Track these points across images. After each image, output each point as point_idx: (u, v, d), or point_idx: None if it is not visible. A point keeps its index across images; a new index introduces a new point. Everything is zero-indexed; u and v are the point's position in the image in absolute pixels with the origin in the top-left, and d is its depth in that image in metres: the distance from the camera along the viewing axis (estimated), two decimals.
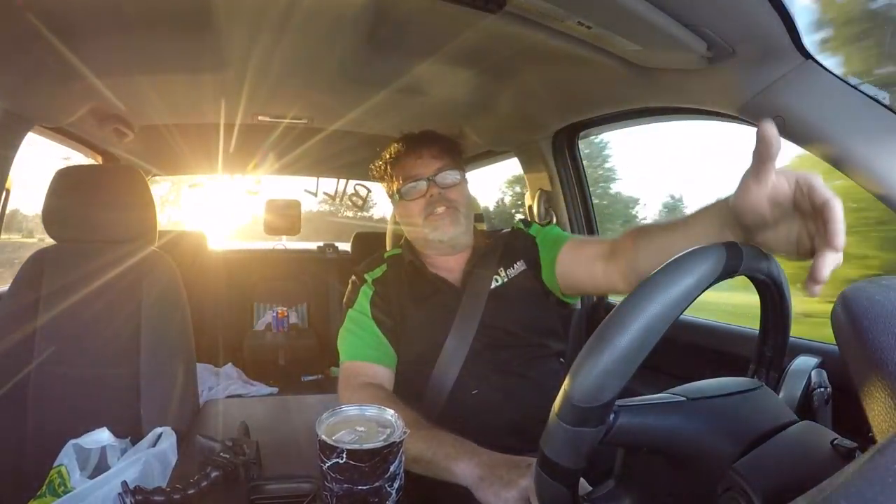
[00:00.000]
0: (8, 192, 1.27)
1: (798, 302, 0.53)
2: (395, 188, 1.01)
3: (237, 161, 2.26)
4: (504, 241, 1.03)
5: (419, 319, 0.94)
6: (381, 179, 1.07)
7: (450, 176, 0.98)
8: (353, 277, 1.02)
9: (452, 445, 0.70)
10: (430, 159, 0.98)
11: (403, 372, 0.94)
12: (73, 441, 0.93)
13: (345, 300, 1.01)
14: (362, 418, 0.56)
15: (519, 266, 1.00)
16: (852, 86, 0.70)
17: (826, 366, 0.60)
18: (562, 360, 0.99)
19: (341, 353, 0.95)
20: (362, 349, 0.93)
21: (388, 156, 1.04)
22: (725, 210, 0.56)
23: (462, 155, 1.06)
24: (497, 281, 0.97)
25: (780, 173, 0.48)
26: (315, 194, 2.45)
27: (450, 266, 1.01)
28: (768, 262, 0.48)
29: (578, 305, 1.58)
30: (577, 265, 0.91)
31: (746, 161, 0.50)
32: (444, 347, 0.91)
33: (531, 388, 0.90)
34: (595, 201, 1.62)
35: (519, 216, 2.78)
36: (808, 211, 0.47)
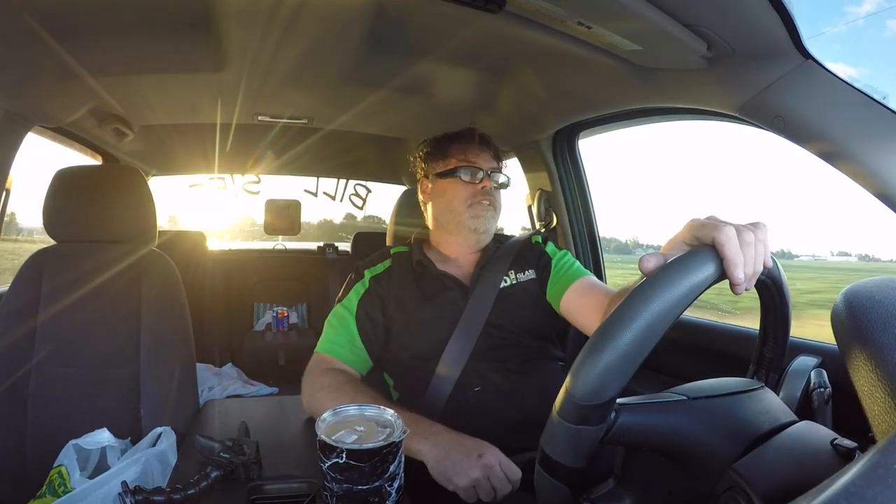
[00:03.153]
0: (8, 192, 1.27)
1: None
2: (447, 164, 1.02)
3: (237, 161, 2.26)
4: (517, 247, 1.05)
5: (425, 316, 0.95)
6: (428, 152, 1.08)
7: (501, 178, 1.04)
8: (353, 272, 1.03)
9: (408, 425, 0.71)
10: (490, 158, 1.04)
11: (406, 368, 0.94)
12: (73, 441, 0.93)
13: (339, 293, 1.02)
14: (362, 418, 0.56)
15: (529, 273, 1.02)
16: (852, 86, 0.70)
17: (826, 366, 0.60)
18: (561, 363, 1.00)
19: (317, 344, 0.96)
20: (336, 345, 0.94)
21: (448, 134, 1.07)
22: None
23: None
24: (506, 281, 0.98)
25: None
26: (315, 194, 2.45)
27: (459, 263, 1.02)
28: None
29: None
30: (582, 306, 0.95)
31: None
32: (449, 344, 0.92)
33: (532, 386, 0.90)
34: None
35: None
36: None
